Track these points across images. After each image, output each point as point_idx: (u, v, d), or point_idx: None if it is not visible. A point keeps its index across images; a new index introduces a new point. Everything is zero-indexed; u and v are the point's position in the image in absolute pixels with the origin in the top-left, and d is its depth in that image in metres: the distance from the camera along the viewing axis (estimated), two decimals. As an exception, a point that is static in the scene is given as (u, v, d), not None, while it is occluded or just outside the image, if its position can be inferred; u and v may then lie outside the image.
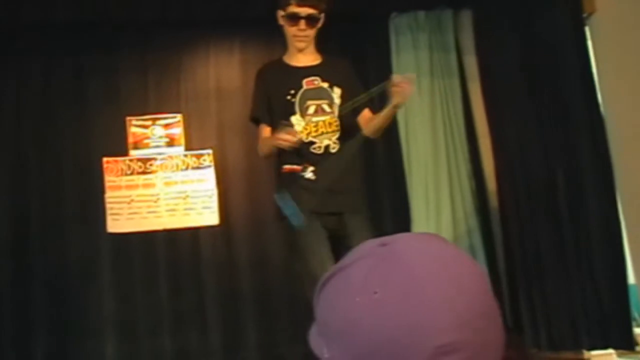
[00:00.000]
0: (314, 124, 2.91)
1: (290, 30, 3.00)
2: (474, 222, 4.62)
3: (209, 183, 4.56)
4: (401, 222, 4.51)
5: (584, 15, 3.59)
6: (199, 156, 4.60)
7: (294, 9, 2.96)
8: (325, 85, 2.99)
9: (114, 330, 4.29)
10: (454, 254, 0.75)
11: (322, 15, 3.02)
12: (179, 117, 4.62)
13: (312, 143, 2.90)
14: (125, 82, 4.60)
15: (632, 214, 3.42)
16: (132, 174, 4.54)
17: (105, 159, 4.50)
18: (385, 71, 4.74)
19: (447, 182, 4.65)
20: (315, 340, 0.78)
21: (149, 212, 4.51)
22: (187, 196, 4.55)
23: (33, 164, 4.42)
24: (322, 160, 2.88)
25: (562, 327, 3.79)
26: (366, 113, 3.09)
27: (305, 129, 2.90)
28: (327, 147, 2.91)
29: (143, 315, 4.36)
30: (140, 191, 4.53)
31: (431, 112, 4.72)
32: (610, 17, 3.52)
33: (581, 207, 3.65)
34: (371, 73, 4.80)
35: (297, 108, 2.93)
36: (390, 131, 4.72)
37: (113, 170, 4.51)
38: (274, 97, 2.98)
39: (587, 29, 3.63)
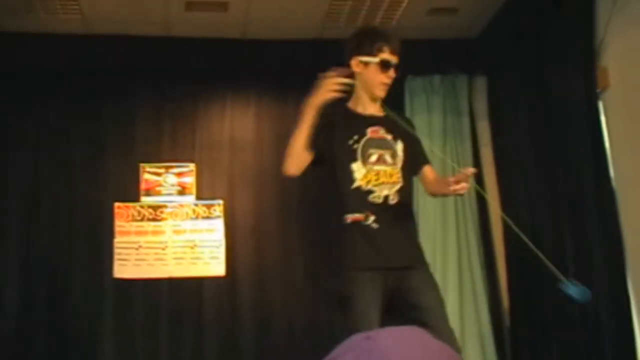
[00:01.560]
0: (375, 172, 2.80)
1: (378, 78, 2.87)
2: (481, 291, 4.59)
3: (217, 233, 4.58)
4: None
5: (598, 90, 3.64)
6: (209, 206, 4.63)
7: (388, 56, 2.85)
8: (389, 137, 2.89)
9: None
10: (436, 348, 0.78)
11: None
12: (191, 166, 4.67)
13: (372, 192, 2.79)
14: (141, 129, 4.67)
15: (640, 290, 3.40)
16: (142, 220, 4.56)
17: (116, 204, 4.54)
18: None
19: (456, 246, 4.65)
20: None
21: (156, 260, 4.52)
22: (195, 245, 4.56)
23: (45, 205, 4.46)
24: (381, 209, 2.77)
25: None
26: (429, 171, 3.02)
27: (366, 176, 2.79)
28: (386, 197, 2.79)
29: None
30: (149, 238, 4.55)
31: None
32: (623, 92, 3.57)
33: (590, 281, 3.62)
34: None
35: (359, 155, 2.82)
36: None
37: (123, 216, 4.54)
38: (335, 139, 2.85)
39: (600, 103, 3.68)
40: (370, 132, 2.86)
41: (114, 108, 4.66)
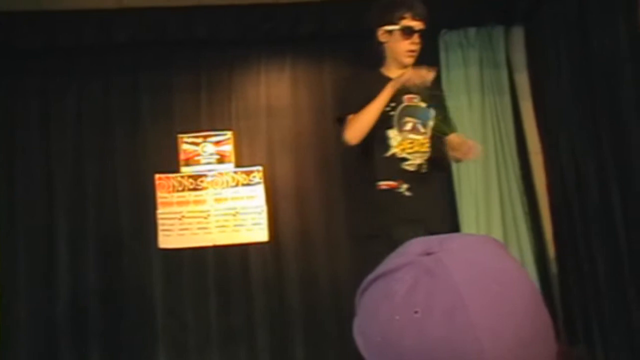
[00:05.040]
0: (410, 140, 2.84)
1: (402, 45, 2.90)
2: (525, 241, 4.54)
3: (258, 200, 4.59)
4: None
5: (642, 33, 3.51)
6: (248, 173, 4.63)
7: (410, 22, 2.88)
8: (423, 105, 2.91)
9: (164, 345, 4.36)
10: (505, 267, 0.71)
11: None
12: (229, 134, 4.67)
13: (406, 160, 2.83)
14: (178, 100, 4.68)
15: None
16: (183, 190, 4.60)
17: (157, 176, 4.57)
18: (434, 88, 4.73)
19: (498, 200, 4.60)
20: (356, 336, 0.76)
21: (199, 228, 4.56)
22: (237, 213, 4.58)
23: (89, 180, 4.51)
24: (414, 177, 2.81)
25: (621, 352, 3.69)
26: (453, 137, 3.01)
27: (401, 144, 2.83)
28: (419, 165, 2.85)
29: (192, 331, 4.41)
30: (191, 207, 4.59)
31: (482, 130, 4.67)
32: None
33: (638, 229, 3.54)
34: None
35: (394, 122, 2.84)
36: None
37: (165, 187, 4.58)
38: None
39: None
40: (406, 99, 2.87)
41: (150, 80, 4.65)
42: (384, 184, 2.81)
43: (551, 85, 4.37)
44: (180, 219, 4.57)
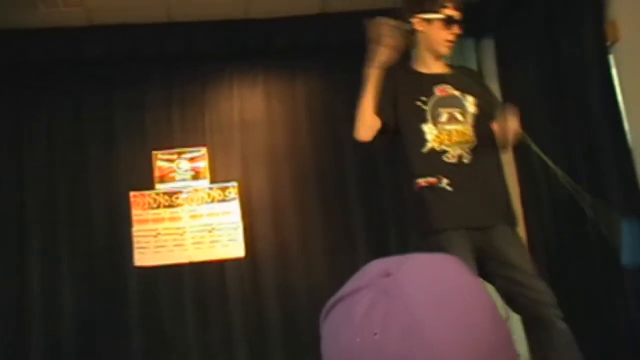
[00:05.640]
0: (447, 132, 2.73)
1: (442, 35, 2.81)
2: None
3: (234, 216, 4.58)
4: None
5: (608, 43, 3.57)
6: (224, 189, 4.63)
7: (452, 12, 2.81)
8: (458, 93, 2.80)
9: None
10: (462, 285, 0.72)
11: None
12: (203, 150, 4.67)
13: (445, 152, 2.71)
14: (152, 117, 4.68)
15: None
16: (158, 207, 4.58)
17: (132, 193, 4.55)
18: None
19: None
20: (323, 358, 0.77)
21: (176, 246, 4.54)
22: (213, 229, 4.57)
23: (63, 199, 4.48)
24: (455, 170, 2.69)
25: (596, 354, 3.73)
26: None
27: (438, 137, 2.72)
28: (460, 157, 2.71)
29: (171, 348, 4.38)
30: (167, 225, 4.57)
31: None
32: (634, 45, 3.50)
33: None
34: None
35: (429, 116, 2.73)
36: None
37: (140, 204, 4.56)
38: (401, 102, 2.76)
39: (611, 57, 3.61)
40: (438, 91, 2.78)
41: (123, 97, 4.66)
42: (423, 181, 2.70)
43: (522, 94, 4.42)
44: (156, 236, 4.55)
